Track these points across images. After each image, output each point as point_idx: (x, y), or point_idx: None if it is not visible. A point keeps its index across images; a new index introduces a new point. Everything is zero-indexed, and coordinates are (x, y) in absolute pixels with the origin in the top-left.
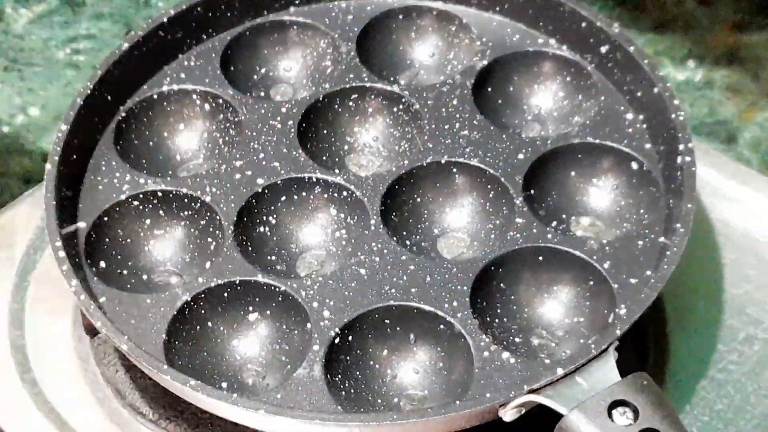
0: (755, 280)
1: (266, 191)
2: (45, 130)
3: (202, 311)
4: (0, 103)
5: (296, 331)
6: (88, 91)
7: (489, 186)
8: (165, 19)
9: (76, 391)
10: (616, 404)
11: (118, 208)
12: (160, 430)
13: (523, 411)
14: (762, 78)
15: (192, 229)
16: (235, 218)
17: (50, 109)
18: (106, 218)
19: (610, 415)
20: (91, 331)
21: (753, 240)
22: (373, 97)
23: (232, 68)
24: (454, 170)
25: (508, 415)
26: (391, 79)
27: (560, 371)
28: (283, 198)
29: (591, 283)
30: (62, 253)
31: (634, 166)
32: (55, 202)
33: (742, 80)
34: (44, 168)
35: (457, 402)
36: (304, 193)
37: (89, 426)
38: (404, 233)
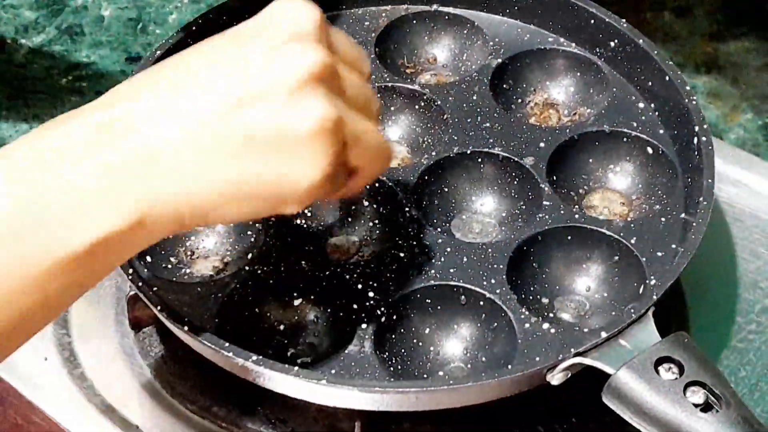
0: (766, 256)
1: None
2: None
3: (250, 298)
4: (7, 129)
5: (341, 313)
6: None
7: (514, 173)
8: (194, 27)
9: (125, 383)
10: (660, 361)
11: None
12: (211, 417)
13: (569, 375)
14: (741, 83)
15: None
16: None
17: None
18: None
19: (656, 371)
20: (136, 326)
21: (761, 220)
22: (395, 95)
23: None
24: (480, 160)
25: (556, 378)
26: (412, 79)
27: (604, 334)
28: None
29: (618, 258)
30: None
31: (650, 150)
32: None
33: (723, 86)
34: None
35: (509, 366)
36: None
37: (140, 416)
38: (436, 220)
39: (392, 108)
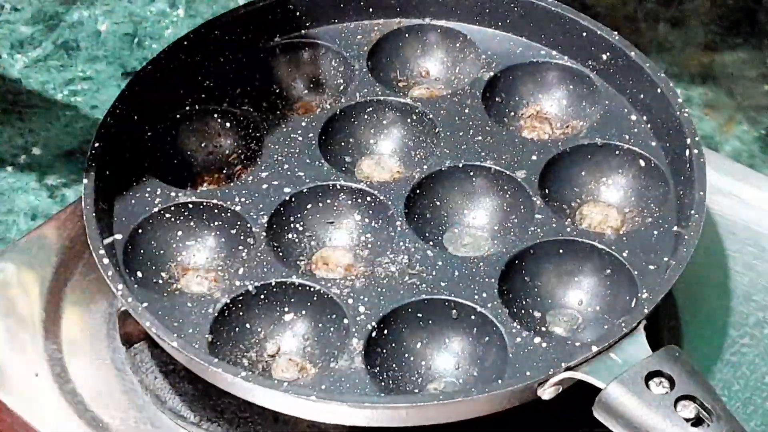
0: (759, 268)
1: (293, 199)
2: (48, 168)
3: (241, 313)
4: (2, 144)
5: (332, 328)
6: (117, 111)
7: (506, 186)
8: (185, 42)
9: (116, 399)
10: (651, 375)
11: (151, 221)
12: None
13: (561, 389)
14: (737, 94)
15: (223, 238)
16: (266, 226)
17: (52, 147)
18: (140, 230)
19: (647, 385)
20: (128, 341)
21: (754, 232)
22: (388, 109)
23: (249, 88)
24: (472, 173)
25: (547, 393)
26: (404, 93)
27: (595, 348)
28: (309, 205)
29: (610, 271)
30: (106, 260)
31: (642, 162)
32: (94, 214)
33: (719, 97)
34: (49, 204)
35: (500, 381)
36: (329, 200)
37: (131, 431)
38: (427, 234)
39: (384, 122)
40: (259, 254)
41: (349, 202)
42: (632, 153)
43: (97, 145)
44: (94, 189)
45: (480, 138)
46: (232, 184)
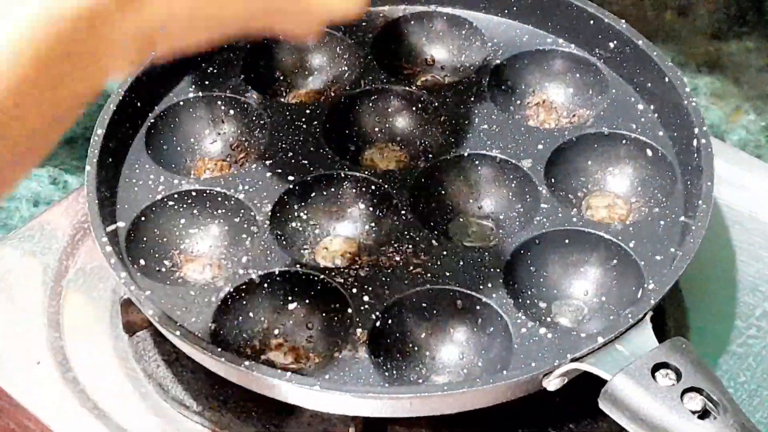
0: (766, 259)
1: (297, 188)
2: (50, 155)
3: (244, 302)
4: None
5: (336, 317)
6: (120, 98)
7: (512, 176)
8: None
9: (118, 387)
10: (658, 367)
11: (154, 208)
12: (205, 421)
13: (566, 380)
14: (743, 83)
15: (227, 226)
16: (270, 214)
17: None
18: (143, 218)
19: (653, 377)
20: (130, 330)
21: (761, 223)
22: (392, 97)
23: (253, 75)
24: (477, 162)
25: (552, 384)
26: (409, 80)
27: (601, 339)
28: (314, 194)
29: (617, 262)
30: (109, 248)
31: (649, 152)
32: (97, 201)
33: (725, 86)
34: (52, 191)
35: (504, 372)
36: (333, 189)
37: (133, 420)
38: (432, 223)
39: (389, 110)
40: (262, 243)
41: (354, 190)
42: (639, 142)
43: (100, 131)
44: (96, 176)
45: (486, 126)
46: (235, 171)
